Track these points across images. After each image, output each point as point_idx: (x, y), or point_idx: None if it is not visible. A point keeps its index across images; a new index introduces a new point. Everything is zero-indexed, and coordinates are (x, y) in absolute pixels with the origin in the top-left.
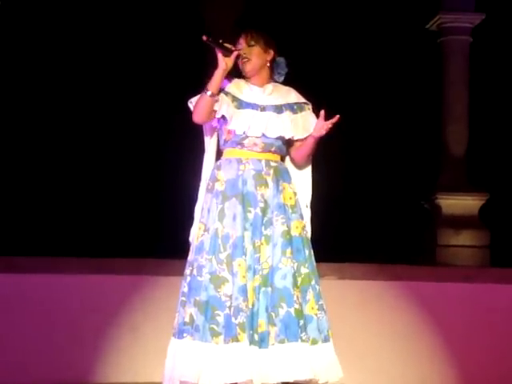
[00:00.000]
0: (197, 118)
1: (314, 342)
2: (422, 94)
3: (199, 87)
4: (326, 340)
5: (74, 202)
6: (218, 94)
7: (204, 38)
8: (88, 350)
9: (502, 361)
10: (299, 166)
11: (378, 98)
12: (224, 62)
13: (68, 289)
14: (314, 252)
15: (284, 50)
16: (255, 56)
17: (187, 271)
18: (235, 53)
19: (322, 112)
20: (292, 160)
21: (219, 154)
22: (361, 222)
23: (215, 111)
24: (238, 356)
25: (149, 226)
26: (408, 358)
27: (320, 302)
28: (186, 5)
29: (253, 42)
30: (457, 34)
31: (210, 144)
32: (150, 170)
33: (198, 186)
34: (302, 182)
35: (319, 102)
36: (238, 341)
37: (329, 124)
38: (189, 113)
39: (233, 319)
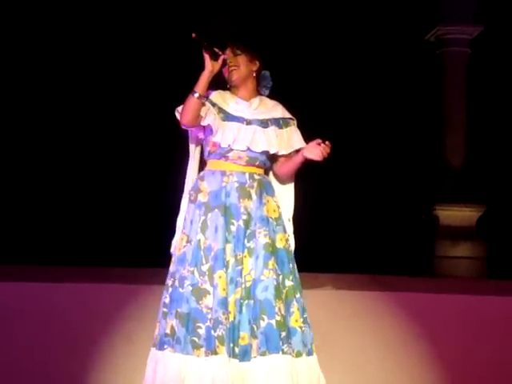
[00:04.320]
0: (185, 120)
1: (299, 354)
2: (420, 105)
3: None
4: (309, 353)
5: (70, 212)
6: (205, 97)
7: (193, 35)
8: (83, 358)
9: (499, 373)
10: (282, 181)
11: (376, 108)
12: (211, 64)
13: (63, 297)
14: (311, 262)
15: (280, 61)
16: (242, 64)
17: (169, 282)
18: (222, 57)
19: (319, 140)
20: (275, 174)
21: (202, 164)
22: (359, 233)
23: (201, 117)
24: (218, 369)
25: (145, 236)
26: (403, 369)
27: (304, 315)
28: (193, 14)
29: (239, 52)
30: (455, 46)
31: (193, 154)
32: (146, 180)
33: (181, 196)
34: (284, 196)
35: (318, 112)
36: (216, 354)
37: (327, 150)
38: (177, 122)
39: (212, 332)
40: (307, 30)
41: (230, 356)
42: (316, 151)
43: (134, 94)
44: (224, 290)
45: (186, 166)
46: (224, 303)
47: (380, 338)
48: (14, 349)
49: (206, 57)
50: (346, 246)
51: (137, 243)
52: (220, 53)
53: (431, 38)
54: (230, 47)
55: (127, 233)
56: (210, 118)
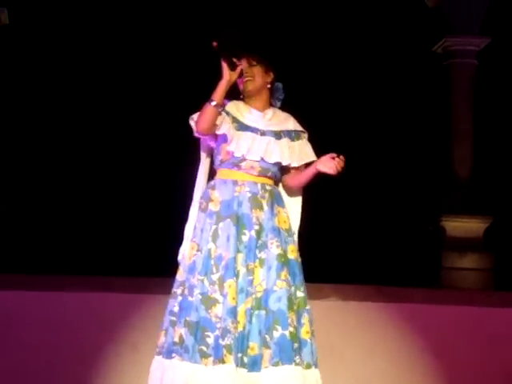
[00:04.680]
0: (201, 128)
1: (308, 366)
2: (427, 116)
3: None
4: (316, 365)
5: (77, 221)
6: (222, 106)
7: (214, 44)
8: (89, 366)
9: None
10: (291, 193)
11: (383, 119)
12: (229, 74)
13: (69, 306)
14: (316, 272)
15: (285, 73)
16: (257, 75)
17: (178, 291)
18: (240, 67)
19: (333, 154)
20: (284, 186)
21: (212, 173)
22: (365, 243)
23: (216, 126)
24: (225, 378)
25: (150, 245)
26: (410, 381)
27: (312, 328)
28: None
29: (254, 62)
30: (462, 57)
31: (204, 163)
32: (150, 190)
33: (189, 204)
34: (292, 208)
35: (324, 122)
36: (223, 362)
37: (341, 164)
38: (190, 130)
39: (220, 341)
40: (312, 40)
41: (237, 365)
42: (330, 165)
43: (141, 103)
44: (234, 299)
45: (193, 174)
46: (233, 312)
47: (384, 349)
48: (21, 357)
49: (224, 66)
50: (352, 256)
51: (142, 253)
52: (238, 63)
53: (438, 50)
54: (246, 58)
55: (133, 242)
56: (225, 127)
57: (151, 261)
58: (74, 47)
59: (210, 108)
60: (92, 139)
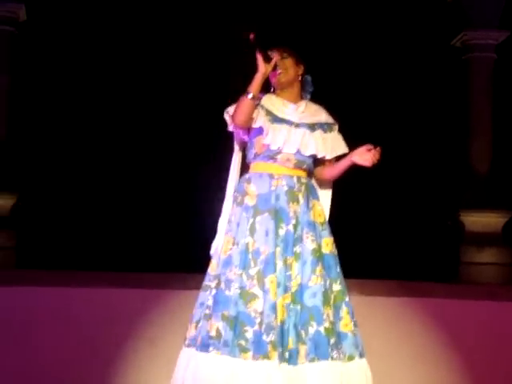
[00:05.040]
0: (237, 120)
1: (351, 358)
2: (446, 111)
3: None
4: (361, 356)
5: (93, 217)
6: (258, 99)
7: (251, 36)
8: (108, 363)
9: None
10: (322, 185)
11: (402, 113)
12: (264, 66)
13: (90, 302)
14: None
15: (312, 67)
16: (290, 67)
17: (211, 284)
18: (274, 60)
19: (369, 146)
20: (317, 179)
21: (243, 168)
22: (384, 239)
23: (252, 119)
24: (268, 374)
25: (168, 241)
26: (427, 376)
27: (354, 319)
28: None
29: (286, 55)
30: (481, 51)
31: (236, 157)
32: (169, 186)
33: (220, 199)
34: (322, 201)
35: (343, 117)
36: (268, 358)
37: (377, 156)
38: (224, 124)
39: (264, 337)
40: (329, 35)
41: (280, 361)
42: (366, 157)
43: (158, 98)
44: (275, 294)
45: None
46: (274, 308)
47: (406, 344)
48: (39, 353)
49: (259, 59)
50: (371, 251)
51: (159, 248)
52: (272, 56)
53: (457, 44)
54: (278, 50)
55: (150, 238)
56: (260, 119)
57: (168, 256)
58: (91, 43)
59: (246, 101)
60: (104, 135)
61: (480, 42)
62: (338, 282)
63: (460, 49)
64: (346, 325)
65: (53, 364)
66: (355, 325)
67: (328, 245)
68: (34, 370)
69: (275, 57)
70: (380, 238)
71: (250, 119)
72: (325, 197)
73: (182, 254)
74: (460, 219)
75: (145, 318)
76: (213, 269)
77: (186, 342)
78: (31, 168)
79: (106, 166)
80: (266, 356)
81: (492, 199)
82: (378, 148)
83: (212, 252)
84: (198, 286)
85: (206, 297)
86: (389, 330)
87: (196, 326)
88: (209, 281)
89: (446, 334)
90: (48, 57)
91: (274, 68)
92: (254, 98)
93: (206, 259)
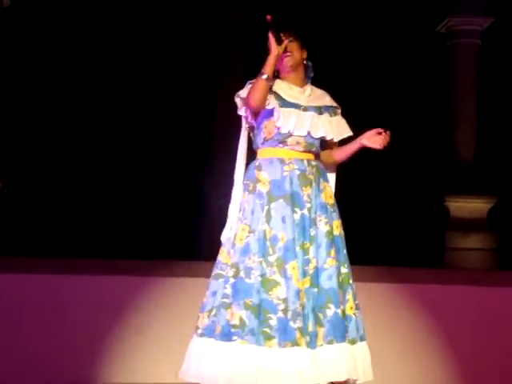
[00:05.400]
0: (253, 101)
1: (354, 341)
2: (431, 97)
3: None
4: (362, 339)
5: (83, 204)
6: (271, 80)
7: (268, 17)
8: (95, 350)
9: (509, 362)
10: (328, 169)
11: (387, 100)
12: (276, 48)
13: (75, 289)
14: None
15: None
16: (296, 51)
17: (226, 272)
18: (285, 42)
19: (379, 129)
20: (322, 163)
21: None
22: (369, 225)
23: (266, 100)
24: (299, 360)
25: (154, 228)
26: (415, 361)
27: (356, 302)
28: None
29: (292, 38)
30: (466, 37)
31: (244, 143)
32: (159, 173)
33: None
34: None
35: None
36: (298, 345)
37: (388, 139)
38: (234, 107)
39: (291, 323)
40: (316, 22)
41: (307, 346)
42: (377, 139)
43: (144, 86)
44: (298, 280)
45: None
46: (299, 294)
47: (392, 329)
48: (24, 340)
49: (272, 41)
50: (356, 238)
51: (145, 235)
52: (283, 38)
53: (442, 30)
54: (285, 34)
55: (136, 225)
56: (273, 102)
57: (154, 243)
58: (77, 29)
59: (261, 81)
60: (88, 121)
61: (465, 27)
62: (346, 265)
63: (445, 35)
64: (350, 307)
65: (39, 352)
66: (357, 308)
67: (338, 227)
68: (19, 358)
69: (286, 39)
70: (366, 224)
71: (265, 100)
72: (330, 180)
73: (168, 241)
74: (445, 205)
75: (131, 305)
76: (225, 257)
77: (199, 332)
78: (16, 155)
79: (90, 152)
80: (295, 343)
81: (477, 185)
82: (388, 131)
83: (223, 240)
84: (183, 272)
85: (219, 285)
86: (376, 315)
87: (209, 315)
88: (221, 269)
89: (431, 319)
90: (33, 43)
91: (284, 51)
92: (268, 78)
93: (191, 246)
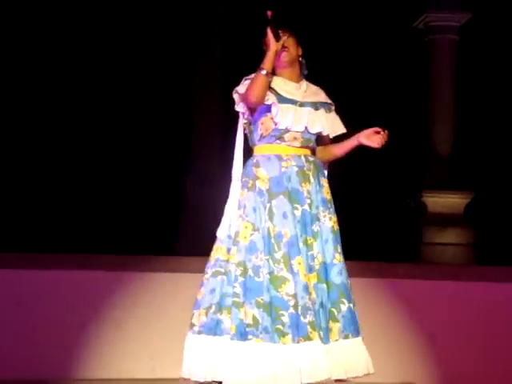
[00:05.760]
0: (253, 97)
1: (347, 336)
2: (408, 93)
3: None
4: (356, 334)
5: (58, 198)
6: (270, 76)
7: (269, 13)
8: (72, 345)
9: (486, 357)
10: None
11: (364, 96)
12: (275, 44)
13: (51, 285)
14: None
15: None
16: (292, 46)
17: (236, 271)
18: (284, 38)
19: (377, 128)
20: (317, 158)
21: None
22: (346, 220)
23: (265, 96)
24: (313, 355)
25: (134, 223)
26: (392, 355)
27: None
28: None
29: (288, 34)
30: (443, 33)
31: (241, 141)
32: (137, 168)
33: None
34: None
35: None
36: (310, 339)
37: (385, 138)
38: (232, 103)
39: (301, 318)
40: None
41: (321, 341)
42: (375, 138)
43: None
44: (305, 275)
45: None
46: (307, 288)
47: (369, 323)
48: (0, 336)
49: (271, 36)
50: None
51: (123, 230)
52: (281, 34)
53: (420, 25)
54: (282, 30)
55: (113, 219)
56: (271, 97)
57: (131, 238)
58: (49, 23)
59: (261, 76)
60: (72, 118)
61: (442, 23)
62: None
63: (422, 30)
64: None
65: (14, 348)
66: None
67: (335, 223)
68: None
69: (283, 35)
70: (342, 219)
71: (264, 96)
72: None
73: (145, 236)
74: (422, 200)
75: (108, 301)
76: (224, 254)
77: (196, 329)
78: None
79: (61, 145)
80: (308, 337)
81: (454, 180)
82: (386, 131)
83: (220, 236)
84: (161, 268)
85: (218, 283)
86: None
87: (207, 313)
88: (220, 267)
89: (409, 313)
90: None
91: (282, 47)
92: (267, 74)
93: (168, 241)
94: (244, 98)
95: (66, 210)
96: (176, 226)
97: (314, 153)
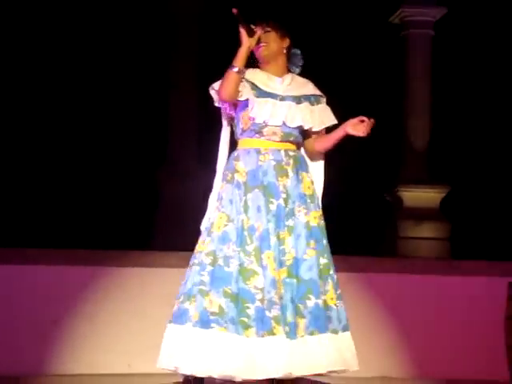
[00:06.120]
0: (224, 94)
1: (336, 332)
2: (384, 87)
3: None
4: (345, 329)
5: (36, 192)
6: (243, 72)
7: (234, 10)
8: (45, 340)
9: (462, 351)
10: (313, 158)
11: (339, 90)
12: (247, 40)
13: (23, 279)
14: None
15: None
16: (272, 41)
17: (206, 260)
18: (258, 33)
19: (362, 117)
20: (307, 151)
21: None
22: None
23: (238, 92)
24: (275, 350)
25: (110, 218)
26: (369, 349)
27: (338, 292)
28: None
29: (269, 29)
30: (419, 28)
31: (224, 134)
32: (111, 162)
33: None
34: (314, 174)
35: None
36: (273, 334)
37: (371, 126)
38: (210, 99)
39: (267, 313)
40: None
41: (285, 336)
42: (360, 127)
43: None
44: (274, 270)
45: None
46: (275, 283)
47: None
48: None
49: (243, 33)
50: None
51: (97, 225)
52: (255, 29)
53: (395, 20)
54: (260, 24)
55: (87, 214)
56: (246, 93)
57: (105, 233)
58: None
59: (232, 74)
60: (45, 114)
61: (418, 18)
62: (325, 255)
63: (398, 25)
64: (331, 298)
65: None
66: (339, 298)
67: (315, 218)
68: None
69: (258, 31)
70: None
71: (236, 93)
72: (317, 169)
73: (119, 231)
74: (398, 194)
75: (80, 295)
76: (204, 244)
77: (170, 319)
78: None
79: (38, 141)
80: (271, 332)
81: (430, 174)
82: (371, 119)
83: (203, 228)
84: (134, 262)
85: (191, 273)
86: None
87: (178, 303)
88: (195, 258)
89: (385, 307)
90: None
91: (258, 42)
92: (239, 71)
93: (143, 236)
94: (217, 94)
95: (37, 205)
96: (152, 222)
97: (298, 147)
